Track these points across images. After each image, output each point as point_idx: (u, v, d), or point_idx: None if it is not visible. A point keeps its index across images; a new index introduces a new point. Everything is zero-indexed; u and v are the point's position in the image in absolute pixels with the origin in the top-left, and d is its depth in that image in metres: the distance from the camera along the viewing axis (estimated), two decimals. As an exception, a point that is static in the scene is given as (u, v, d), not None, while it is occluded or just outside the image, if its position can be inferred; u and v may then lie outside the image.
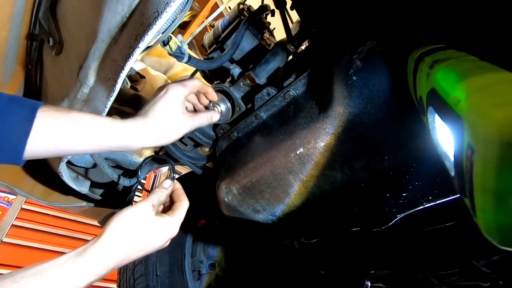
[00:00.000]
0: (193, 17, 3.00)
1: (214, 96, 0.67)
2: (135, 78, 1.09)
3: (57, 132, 0.48)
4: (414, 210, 0.54)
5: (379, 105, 0.47)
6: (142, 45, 0.51)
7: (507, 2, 0.37)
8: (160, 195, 0.60)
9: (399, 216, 0.56)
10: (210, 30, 0.88)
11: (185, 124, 0.58)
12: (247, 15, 0.79)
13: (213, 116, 0.66)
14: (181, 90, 0.59)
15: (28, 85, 0.94)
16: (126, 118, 0.54)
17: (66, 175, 0.80)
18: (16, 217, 2.76)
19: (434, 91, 0.28)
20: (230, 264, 1.09)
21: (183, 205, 0.61)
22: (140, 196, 3.88)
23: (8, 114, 0.45)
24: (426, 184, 0.50)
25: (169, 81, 1.23)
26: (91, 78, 0.65)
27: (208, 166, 0.94)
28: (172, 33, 0.57)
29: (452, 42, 0.35)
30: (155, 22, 0.48)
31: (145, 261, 0.97)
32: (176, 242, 1.05)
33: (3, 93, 0.46)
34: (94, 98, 0.66)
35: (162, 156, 0.86)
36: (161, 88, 0.59)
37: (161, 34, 0.54)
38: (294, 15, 0.77)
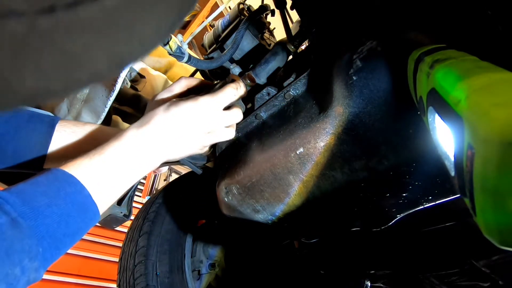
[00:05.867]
0: (193, 17, 3.00)
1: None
2: (135, 78, 1.09)
3: (75, 144, 0.54)
4: (414, 210, 0.54)
5: (379, 105, 0.47)
6: (142, 45, 0.51)
7: (507, 2, 0.37)
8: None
9: (399, 216, 0.56)
10: (210, 30, 0.88)
11: None
12: (247, 15, 0.79)
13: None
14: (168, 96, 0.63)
15: (28, 85, 0.94)
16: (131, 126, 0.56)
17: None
18: (16, 217, 2.75)
19: (434, 91, 0.28)
20: (230, 264, 1.09)
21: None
22: (140, 196, 3.88)
23: (29, 130, 0.52)
24: (426, 184, 0.50)
25: (169, 81, 1.23)
26: (91, 78, 0.65)
27: (208, 166, 0.94)
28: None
29: (452, 42, 0.35)
30: (155, 22, 0.47)
31: (145, 261, 0.97)
32: (176, 242, 1.05)
33: (24, 110, 0.53)
34: (94, 98, 0.66)
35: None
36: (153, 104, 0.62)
37: (161, 34, 0.54)
38: (294, 15, 0.77)
